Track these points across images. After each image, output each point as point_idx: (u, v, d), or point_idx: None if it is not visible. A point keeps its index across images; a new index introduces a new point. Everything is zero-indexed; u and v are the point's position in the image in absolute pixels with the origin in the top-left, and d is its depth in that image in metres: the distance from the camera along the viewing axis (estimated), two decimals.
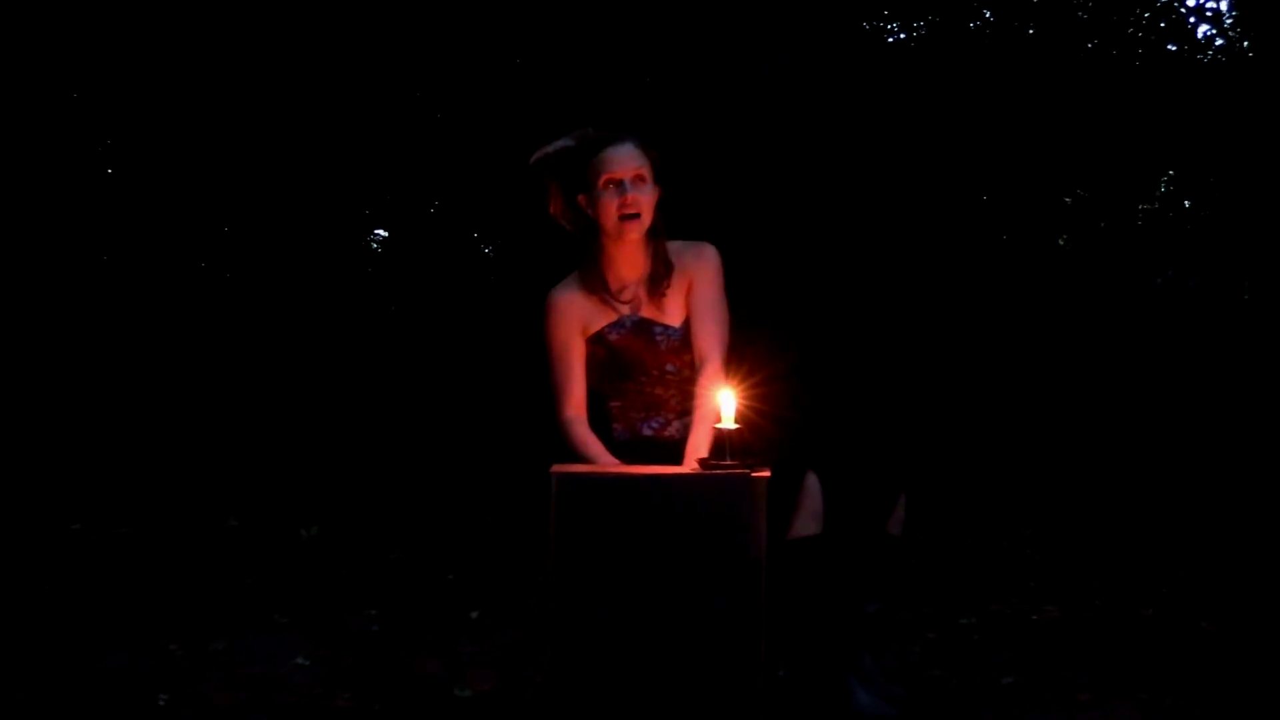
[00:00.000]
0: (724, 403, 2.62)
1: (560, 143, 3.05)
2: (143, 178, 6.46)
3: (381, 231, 7.02)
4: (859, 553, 2.95)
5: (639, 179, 2.97)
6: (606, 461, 2.94)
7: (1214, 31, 6.77)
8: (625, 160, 2.98)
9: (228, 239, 6.66)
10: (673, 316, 3.05)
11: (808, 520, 2.89)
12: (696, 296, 3.06)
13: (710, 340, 3.05)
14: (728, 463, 2.58)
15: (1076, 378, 6.28)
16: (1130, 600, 4.01)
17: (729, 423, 2.60)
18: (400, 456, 5.87)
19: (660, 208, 3.03)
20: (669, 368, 3.04)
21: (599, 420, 3.07)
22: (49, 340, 6.13)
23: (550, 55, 6.25)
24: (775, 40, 5.21)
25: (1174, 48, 6.68)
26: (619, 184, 2.96)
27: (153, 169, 6.44)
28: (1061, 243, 6.90)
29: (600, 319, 3.05)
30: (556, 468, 2.56)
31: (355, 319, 6.60)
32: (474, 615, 3.84)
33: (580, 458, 2.95)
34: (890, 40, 6.69)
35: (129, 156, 6.57)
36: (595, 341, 3.05)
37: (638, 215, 2.97)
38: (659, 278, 3.05)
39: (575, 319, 3.05)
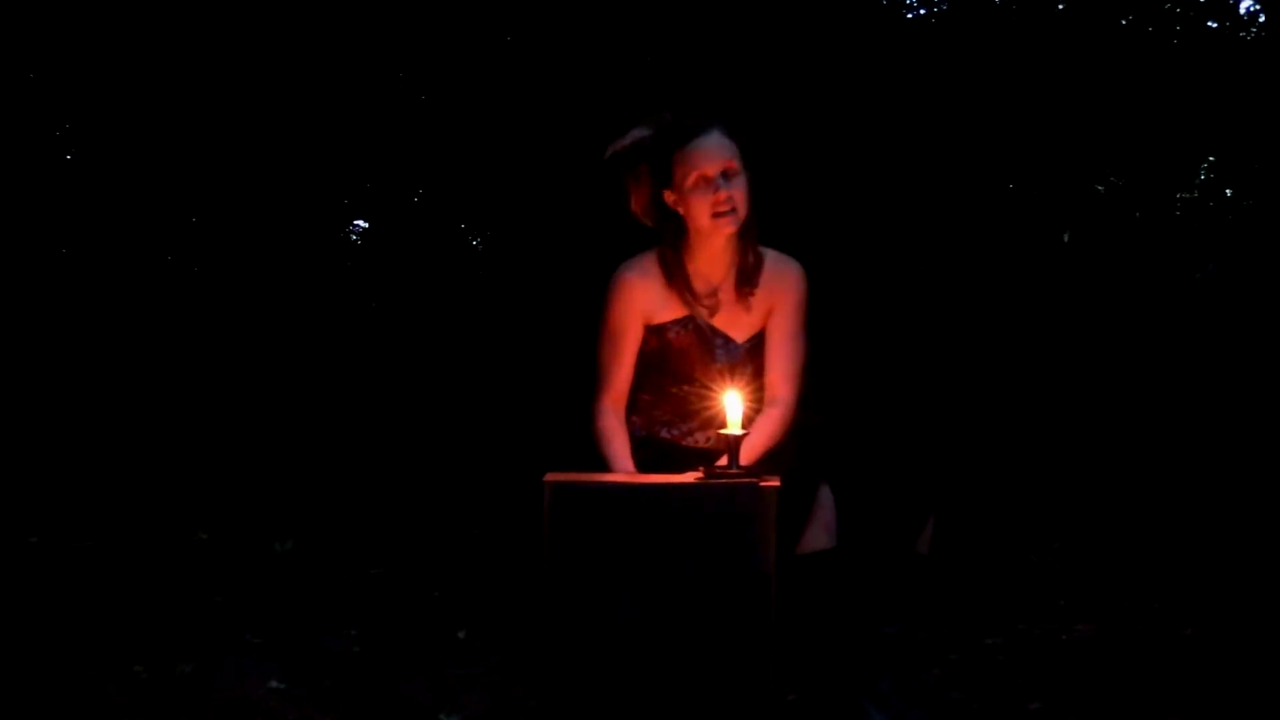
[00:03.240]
0: (730, 406, 2.62)
1: (635, 133, 3.02)
2: (104, 164, 6.47)
3: (361, 222, 7.02)
4: (881, 572, 2.95)
5: (730, 172, 2.94)
6: (623, 465, 2.94)
7: (1258, 7, 6.77)
8: (714, 153, 2.93)
9: (196, 230, 6.67)
10: (739, 330, 3.05)
11: (820, 533, 2.90)
12: (776, 326, 3.05)
13: (783, 376, 3.04)
14: (734, 471, 2.58)
15: (1110, 379, 6.28)
16: (1168, 619, 4.02)
17: (736, 428, 2.61)
18: (382, 464, 5.87)
19: (753, 198, 2.99)
20: (715, 382, 3.04)
21: None
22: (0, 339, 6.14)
23: (545, 32, 6.25)
24: (786, 17, 5.22)
25: (1214, 24, 6.68)
26: (710, 180, 2.93)
27: (114, 155, 6.44)
28: (1094, 234, 6.90)
29: (667, 311, 3.03)
30: (551, 476, 2.57)
31: (333, 316, 6.60)
32: (462, 635, 3.85)
33: (599, 452, 2.96)
34: (909, 16, 6.70)
35: (89, 141, 6.58)
36: (652, 332, 3.04)
37: (734, 211, 2.94)
38: (748, 275, 3.02)
39: (641, 305, 3.03)
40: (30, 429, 5.90)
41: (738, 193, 2.94)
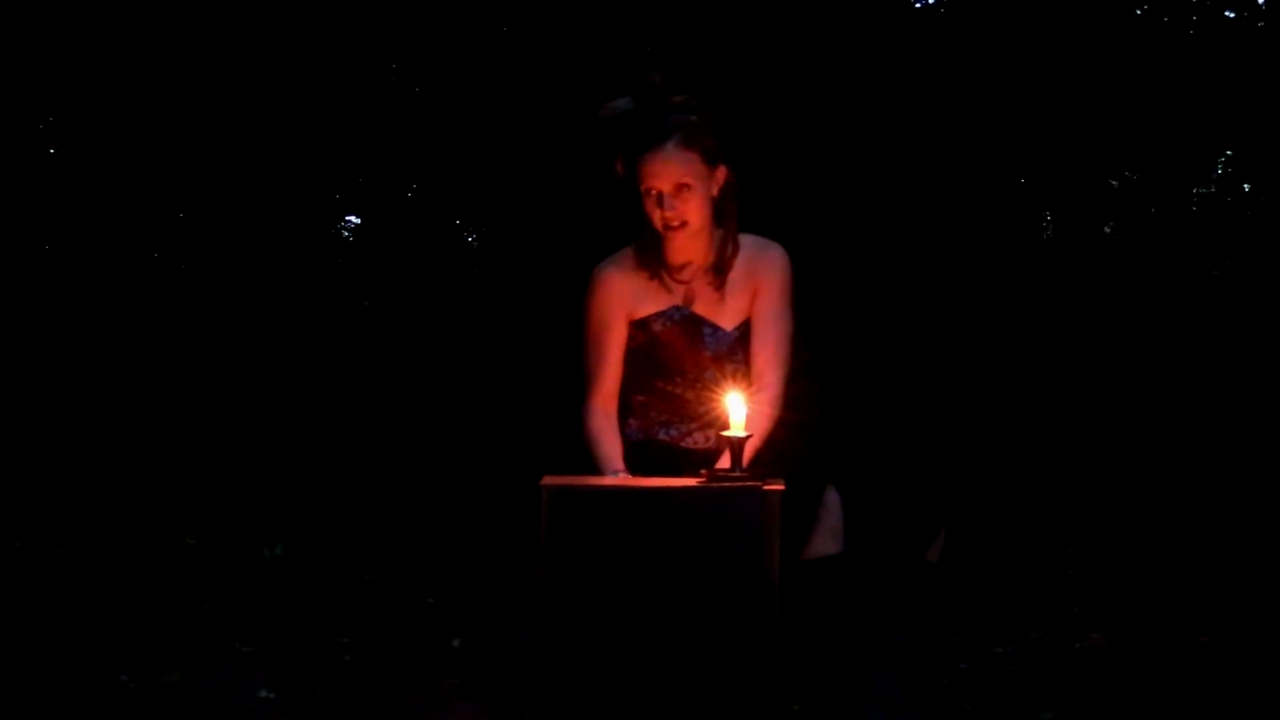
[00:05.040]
0: (733, 408, 2.62)
1: (621, 103, 3.05)
2: (89, 159, 6.47)
3: (354, 218, 7.03)
4: (890, 580, 2.95)
5: (682, 188, 2.97)
6: (613, 465, 2.95)
7: None
8: (664, 170, 2.96)
9: (183, 227, 6.67)
10: (726, 318, 3.07)
11: (826, 538, 2.90)
12: (760, 308, 3.07)
13: (769, 361, 3.06)
14: (737, 474, 2.58)
15: (1124, 379, 6.28)
16: (1184, 627, 4.02)
17: (739, 430, 2.61)
18: (374, 468, 5.87)
19: (730, 191, 3.03)
20: (708, 374, 3.06)
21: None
22: None
23: (542, 23, 6.25)
24: (790, 7, 5.22)
25: (1231, 15, 6.68)
26: (659, 195, 2.97)
27: (100, 149, 6.44)
28: (1108, 231, 6.90)
29: (649, 303, 3.06)
30: (548, 479, 2.57)
31: (324, 315, 6.61)
32: (456, 644, 3.85)
33: (591, 454, 2.97)
34: (918, 5, 6.70)
35: (73, 135, 6.58)
36: (637, 327, 3.06)
37: (683, 225, 2.98)
38: (724, 264, 3.05)
39: (621, 300, 3.06)
40: (10, 431, 5.89)
41: (687, 207, 2.97)
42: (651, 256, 3.05)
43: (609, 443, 3.00)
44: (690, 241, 3.04)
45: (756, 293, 3.08)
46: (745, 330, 3.09)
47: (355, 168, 6.70)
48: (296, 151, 6.42)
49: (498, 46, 6.39)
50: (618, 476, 2.91)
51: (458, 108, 6.43)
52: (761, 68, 5.31)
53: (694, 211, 2.99)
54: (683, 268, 3.07)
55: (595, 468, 2.99)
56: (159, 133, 6.33)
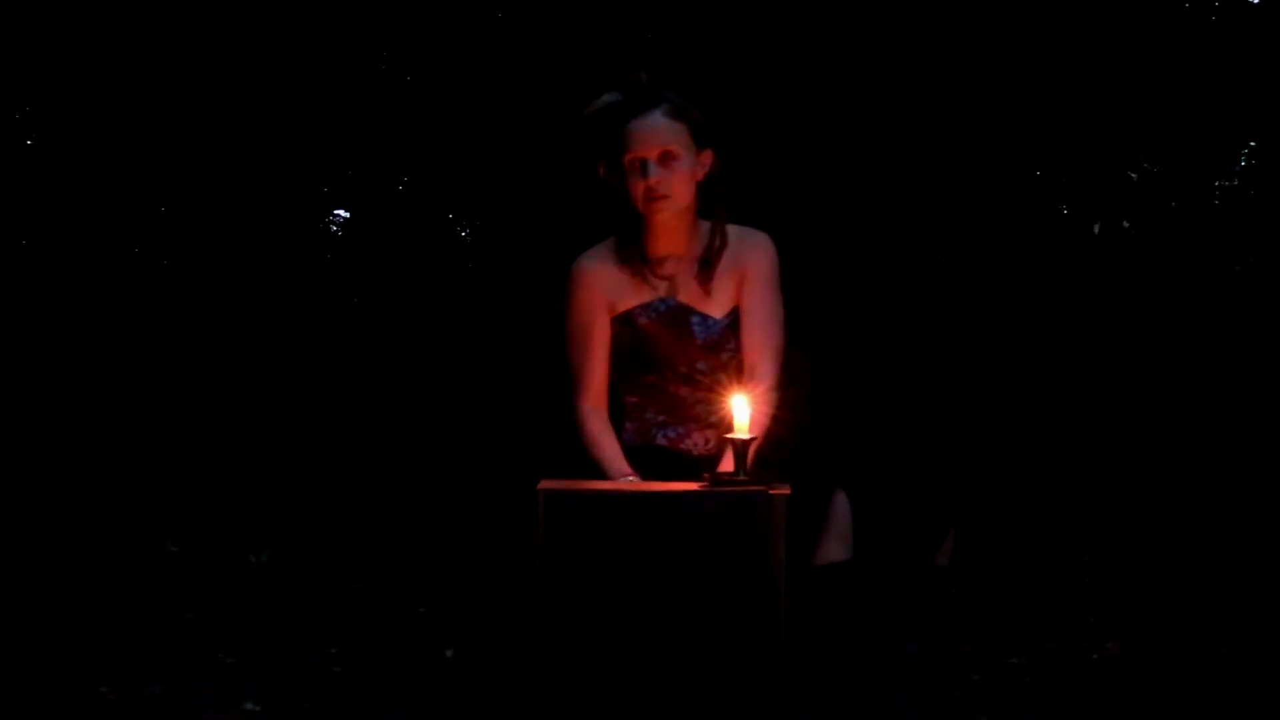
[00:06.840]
0: (737, 409, 2.62)
1: (606, 98, 3.07)
2: (67, 150, 6.47)
3: (342, 212, 7.03)
4: (900, 585, 2.96)
5: (668, 156, 2.98)
6: (618, 467, 2.96)
7: None
8: (650, 136, 2.98)
9: (165, 221, 6.67)
10: (715, 307, 3.07)
11: (835, 544, 2.90)
12: (748, 296, 3.08)
13: (761, 350, 3.06)
14: (742, 478, 2.58)
15: (1143, 380, 6.28)
16: (1203, 637, 4.02)
17: (743, 432, 2.61)
18: (365, 471, 5.87)
19: (717, 177, 3.05)
20: (699, 365, 3.06)
21: (611, 415, 3.09)
22: None
23: (535, 11, 6.25)
24: None
25: (1255, 1, 6.68)
26: (644, 163, 2.98)
27: (79, 141, 6.44)
28: (1126, 225, 6.90)
29: (631, 296, 3.07)
30: (545, 483, 2.57)
31: (312, 312, 6.61)
32: (450, 654, 3.85)
33: (589, 457, 2.97)
34: None
35: (51, 125, 6.58)
36: (621, 322, 3.07)
37: (666, 197, 2.99)
38: (712, 258, 3.06)
39: (602, 294, 3.07)
40: None
41: (673, 178, 2.99)
42: (632, 249, 3.06)
43: (609, 445, 3.01)
44: (673, 225, 3.04)
45: (743, 280, 3.09)
46: (735, 317, 3.09)
47: (344, 160, 6.70)
48: (283, 143, 6.42)
49: (492, 37, 6.39)
50: (624, 481, 2.91)
51: (450, 99, 6.43)
52: (766, 59, 5.31)
53: (679, 185, 3.00)
54: (663, 261, 3.07)
55: (596, 472, 2.99)
56: (141, 124, 6.33)
